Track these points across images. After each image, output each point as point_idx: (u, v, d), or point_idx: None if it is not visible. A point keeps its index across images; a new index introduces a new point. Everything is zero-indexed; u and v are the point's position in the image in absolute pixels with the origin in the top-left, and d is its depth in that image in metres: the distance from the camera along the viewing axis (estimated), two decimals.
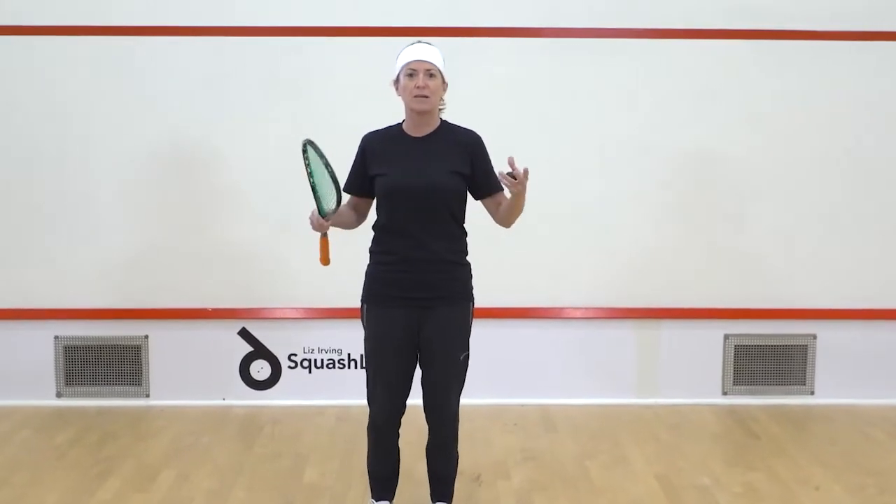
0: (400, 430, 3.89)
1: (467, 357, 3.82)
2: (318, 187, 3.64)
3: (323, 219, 3.66)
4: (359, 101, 5.43)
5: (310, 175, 3.63)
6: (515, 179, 3.55)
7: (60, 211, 5.57)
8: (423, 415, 3.85)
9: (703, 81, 5.59)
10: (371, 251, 3.81)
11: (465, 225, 3.83)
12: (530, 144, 5.47)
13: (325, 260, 3.75)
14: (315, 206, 3.67)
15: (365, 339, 3.83)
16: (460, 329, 3.78)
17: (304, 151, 3.66)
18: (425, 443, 3.93)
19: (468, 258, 3.84)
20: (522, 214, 3.80)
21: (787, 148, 5.64)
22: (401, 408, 3.80)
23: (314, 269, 5.53)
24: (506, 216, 3.79)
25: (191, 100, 5.53)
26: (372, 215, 3.90)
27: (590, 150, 5.60)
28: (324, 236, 3.73)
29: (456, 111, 3.86)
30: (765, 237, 5.69)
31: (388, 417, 3.80)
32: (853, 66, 5.59)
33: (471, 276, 3.85)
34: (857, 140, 5.65)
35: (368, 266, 3.83)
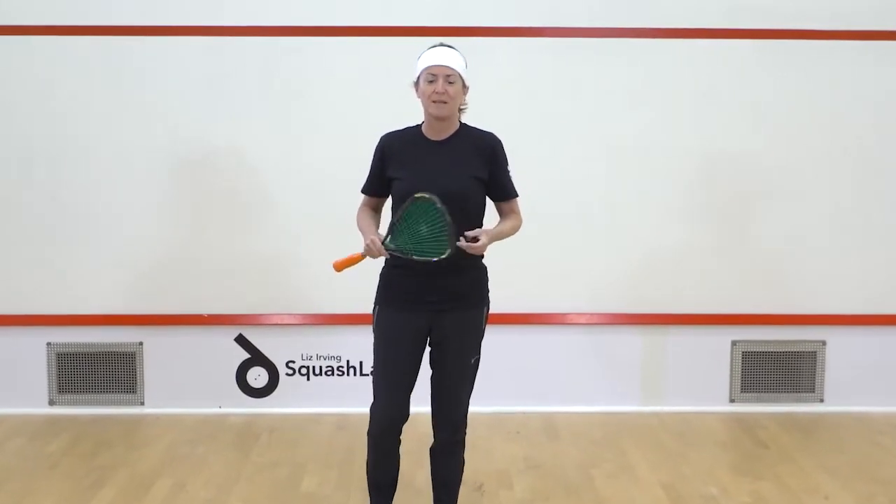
0: (401, 438, 3.87)
1: (478, 360, 3.85)
2: (402, 226, 3.63)
3: (385, 250, 3.65)
4: (361, 101, 5.43)
5: (403, 218, 3.62)
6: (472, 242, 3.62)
7: (54, 213, 5.57)
8: (423, 422, 3.86)
9: (708, 81, 5.59)
10: (364, 254, 3.80)
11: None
12: (533, 146, 5.47)
13: (341, 269, 3.71)
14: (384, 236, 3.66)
15: (374, 342, 3.83)
16: (473, 332, 3.81)
17: (416, 200, 3.61)
18: (426, 451, 3.93)
19: (484, 261, 3.85)
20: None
21: (793, 149, 5.64)
22: (404, 412, 3.80)
23: (313, 274, 5.54)
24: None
25: (189, 101, 5.53)
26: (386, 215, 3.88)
27: (593, 152, 5.60)
28: (361, 255, 3.70)
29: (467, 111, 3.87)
30: (772, 240, 5.69)
31: (391, 422, 3.79)
32: (859, 65, 5.59)
33: (487, 280, 3.87)
34: (864, 140, 5.65)
35: (382, 269, 3.84)
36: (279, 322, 5.67)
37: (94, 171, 5.55)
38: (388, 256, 3.69)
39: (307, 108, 5.53)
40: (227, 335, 5.69)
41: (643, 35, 5.54)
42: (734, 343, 5.75)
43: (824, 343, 5.77)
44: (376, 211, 3.92)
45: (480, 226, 3.78)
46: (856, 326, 5.73)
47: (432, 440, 3.90)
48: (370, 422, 3.83)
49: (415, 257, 3.63)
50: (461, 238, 3.60)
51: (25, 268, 5.59)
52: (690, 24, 5.55)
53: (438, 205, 3.57)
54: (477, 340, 3.83)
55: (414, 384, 3.80)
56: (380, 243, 3.64)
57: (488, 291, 3.87)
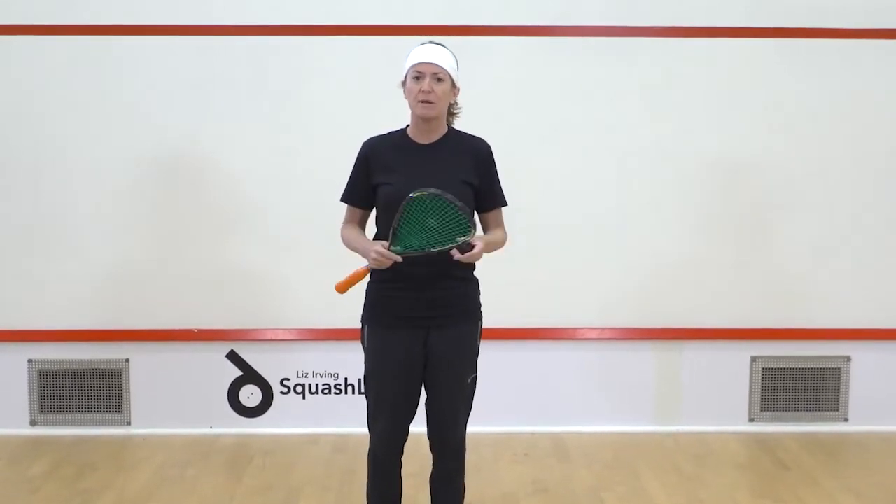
0: (402, 459, 3.90)
1: (475, 380, 3.86)
2: (407, 228, 3.62)
3: (397, 255, 3.63)
4: (359, 103, 5.45)
5: (403, 220, 3.62)
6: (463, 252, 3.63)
7: (35, 223, 5.59)
8: (426, 443, 3.88)
9: (727, 83, 5.61)
10: (371, 268, 3.82)
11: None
12: (541, 151, 5.50)
13: (345, 289, 3.72)
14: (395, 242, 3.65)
15: (365, 362, 3.85)
16: (469, 350, 3.82)
17: (412, 200, 3.60)
18: (428, 473, 3.94)
19: (476, 273, 3.87)
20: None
21: (817, 155, 5.66)
22: (404, 434, 3.83)
23: (308, 288, 5.54)
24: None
25: (176, 104, 5.56)
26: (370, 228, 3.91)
27: (605, 158, 5.62)
28: (367, 269, 3.72)
29: (460, 116, 3.89)
30: (794, 251, 5.70)
31: (391, 445, 3.82)
32: (889, 66, 5.61)
33: (479, 293, 3.88)
34: (891, 146, 5.67)
35: (369, 284, 3.85)
36: (273, 338, 5.69)
37: (77, 179, 5.57)
38: (401, 261, 3.65)
39: (301, 110, 5.55)
40: (218, 351, 5.71)
41: (658, 34, 5.56)
42: (754, 359, 5.77)
43: (849, 359, 5.79)
44: (361, 226, 3.91)
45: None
46: (882, 341, 5.74)
47: (432, 468, 3.92)
48: (371, 444, 3.85)
49: (433, 250, 3.61)
50: (457, 248, 3.61)
51: (5, 280, 5.62)
52: (709, 23, 5.57)
53: (437, 192, 3.57)
54: (473, 358, 3.84)
55: (414, 405, 3.82)
56: (388, 251, 3.63)
57: (481, 305, 3.89)
